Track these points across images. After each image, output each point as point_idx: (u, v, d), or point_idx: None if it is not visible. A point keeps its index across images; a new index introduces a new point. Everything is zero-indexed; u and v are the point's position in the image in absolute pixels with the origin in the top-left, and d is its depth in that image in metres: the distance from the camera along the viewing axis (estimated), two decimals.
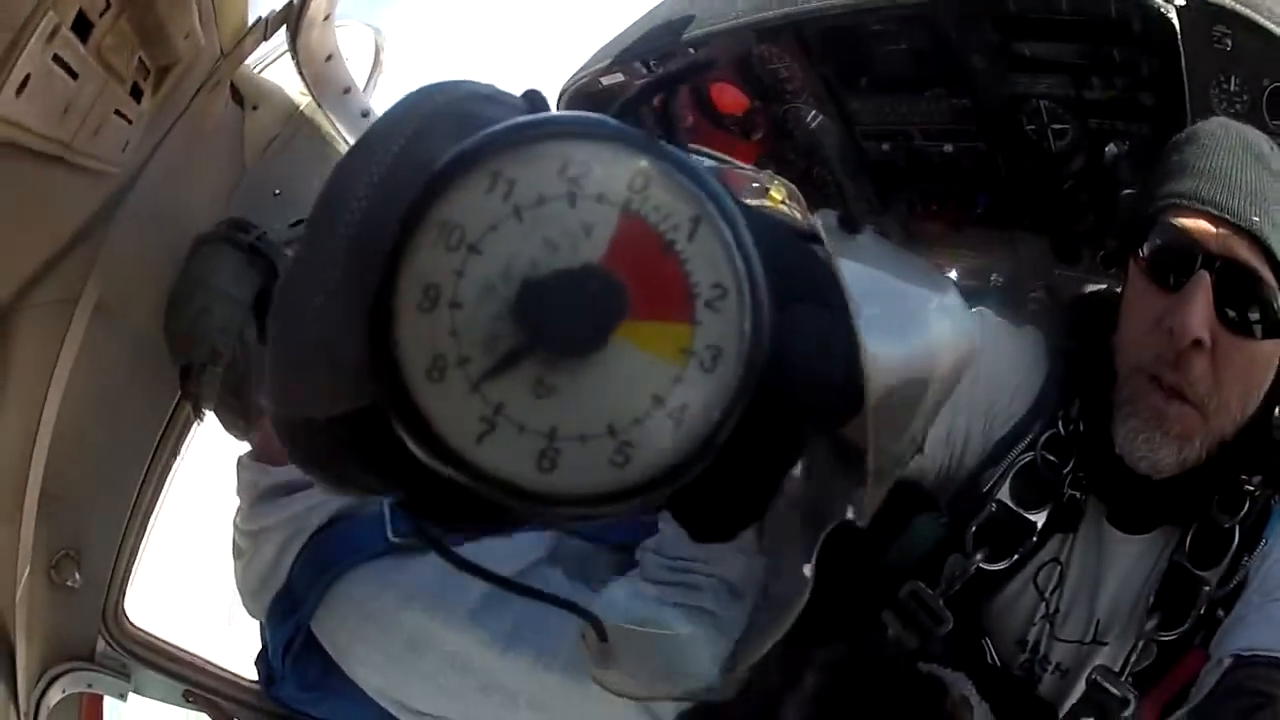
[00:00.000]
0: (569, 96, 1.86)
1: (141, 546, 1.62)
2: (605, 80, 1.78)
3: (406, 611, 1.18)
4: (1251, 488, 1.16)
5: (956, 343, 0.54)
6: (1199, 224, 1.05)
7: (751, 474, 0.46)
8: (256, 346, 1.25)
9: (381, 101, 1.63)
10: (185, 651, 1.68)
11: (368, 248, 0.39)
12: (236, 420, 1.31)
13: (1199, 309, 1.04)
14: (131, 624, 1.62)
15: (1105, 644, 1.24)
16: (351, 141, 1.59)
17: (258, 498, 1.26)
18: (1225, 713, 0.98)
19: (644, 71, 1.74)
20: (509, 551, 1.14)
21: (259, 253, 1.27)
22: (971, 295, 1.54)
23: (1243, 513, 1.16)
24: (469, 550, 1.12)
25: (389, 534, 1.20)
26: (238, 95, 1.44)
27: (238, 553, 1.31)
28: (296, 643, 1.24)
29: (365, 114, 1.61)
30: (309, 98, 1.56)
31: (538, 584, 1.08)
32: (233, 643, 1.80)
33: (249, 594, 1.29)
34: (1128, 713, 1.13)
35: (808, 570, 0.58)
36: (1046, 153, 1.48)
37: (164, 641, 1.66)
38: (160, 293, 1.31)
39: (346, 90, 1.57)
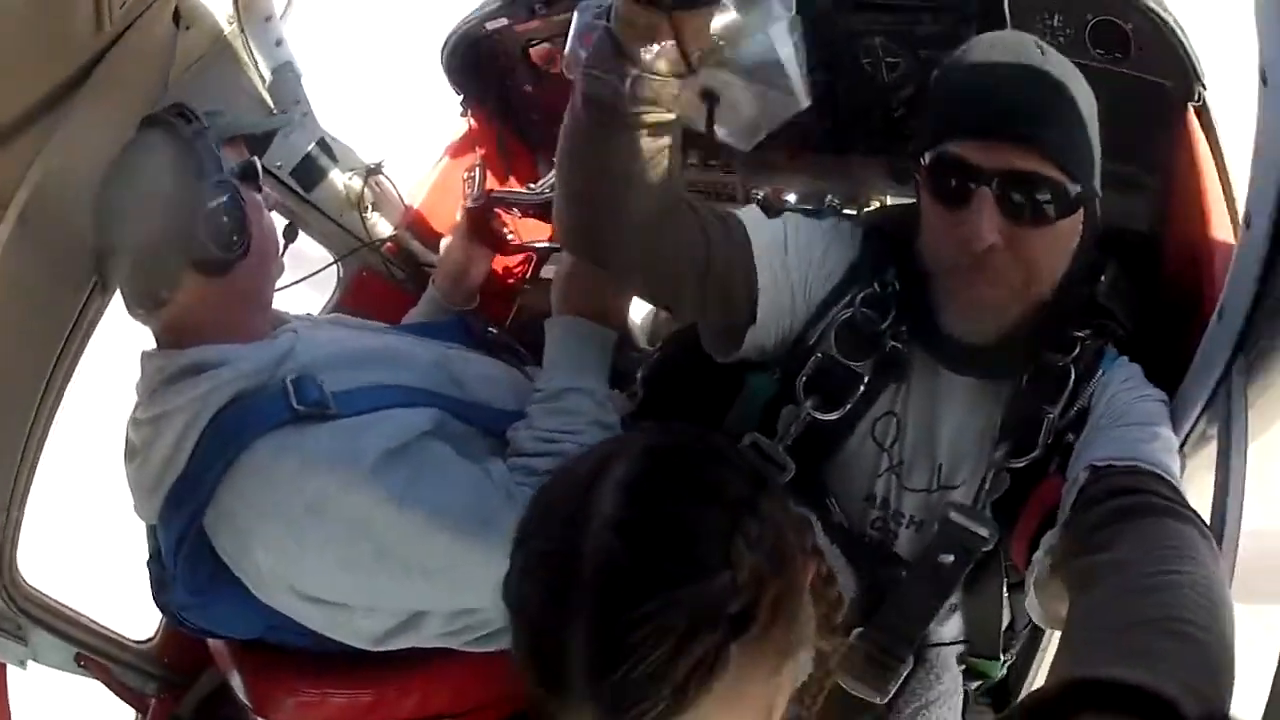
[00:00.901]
0: (455, 40, 1.95)
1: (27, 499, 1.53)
2: (490, 25, 1.89)
3: (308, 474, 1.20)
4: (1081, 335, 1.25)
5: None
6: (971, 149, 1.11)
7: None
8: (170, 238, 1.25)
9: (292, 33, 1.70)
10: (76, 612, 1.62)
11: None
12: (141, 303, 1.30)
13: (985, 221, 1.11)
14: (25, 582, 1.54)
15: (955, 487, 1.31)
16: (264, 68, 1.64)
17: (162, 382, 1.25)
18: (1095, 517, 1.00)
19: (527, 16, 1.85)
20: (399, 425, 1.26)
21: (193, 148, 1.27)
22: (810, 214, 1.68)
23: (1075, 353, 1.24)
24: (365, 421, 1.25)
25: (293, 403, 1.23)
26: (175, 14, 1.46)
27: (132, 453, 1.28)
28: (190, 536, 1.23)
29: (279, 42, 1.68)
30: (232, 25, 1.60)
31: (424, 454, 1.26)
32: (113, 607, 1.74)
33: (146, 490, 1.26)
34: (988, 546, 1.16)
35: None
36: (880, 84, 1.66)
37: (56, 601, 1.59)
38: (74, 209, 1.28)
39: (268, 19, 1.64)
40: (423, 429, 1.28)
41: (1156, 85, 1.55)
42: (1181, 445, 1.20)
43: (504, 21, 1.87)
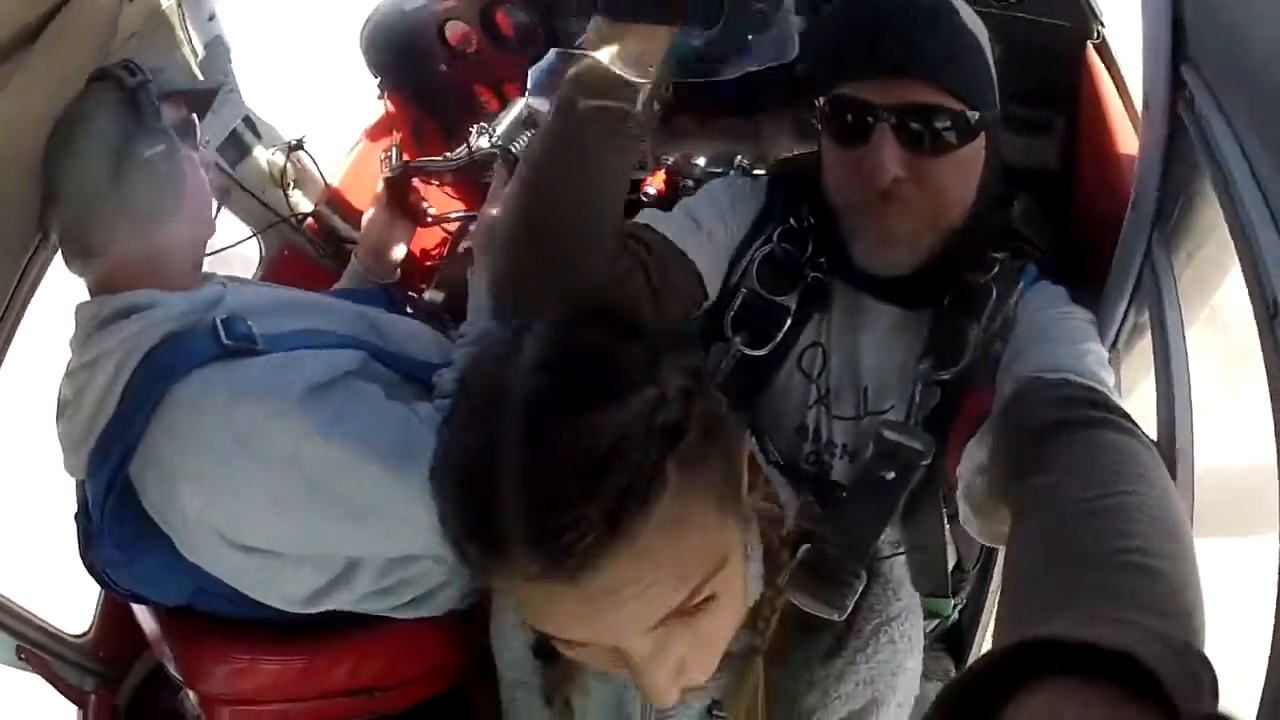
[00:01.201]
0: (374, 22, 1.99)
1: None
2: (409, 6, 1.94)
3: (235, 406, 1.19)
4: (999, 256, 1.25)
5: None
6: (865, 88, 1.14)
7: None
8: (109, 185, 1.25)
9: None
10: (13, 603, 1.57)
11: None
12: (79, 252, 1.30)
13: (887, 155, 1.13)
14: None
15: (884, 411, 1.32)
16: (198, 43, 1.65)
17: (95, 327, 1.24)
18: (1027, 432, 0.97)
19: None
20: (325, 362, 1.27)
21: (136, 99, 1.28)
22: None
23: (994, 272, 1.24)
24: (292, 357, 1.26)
25: (223, 338, 1.23)
26: None
27: (63, 406, 1.27)
28: (117, 485, 1.22)
29: (211, 18, 1.68)
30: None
31: (351, 391, 1.27)
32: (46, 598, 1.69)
33: (76, 441, 1.24)
34: (927, 459, 1.13)
35: None
36: None
37: None
38: (20, 166, 1.27)
39: None
40: (348, 368, 1.29)
41: (1056, 27, 1.60)
42: (1114, 343, 1.21)
43: (421, 1, 1.91)
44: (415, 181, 1.79)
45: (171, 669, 1.42)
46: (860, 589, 0.98)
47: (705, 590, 0.76)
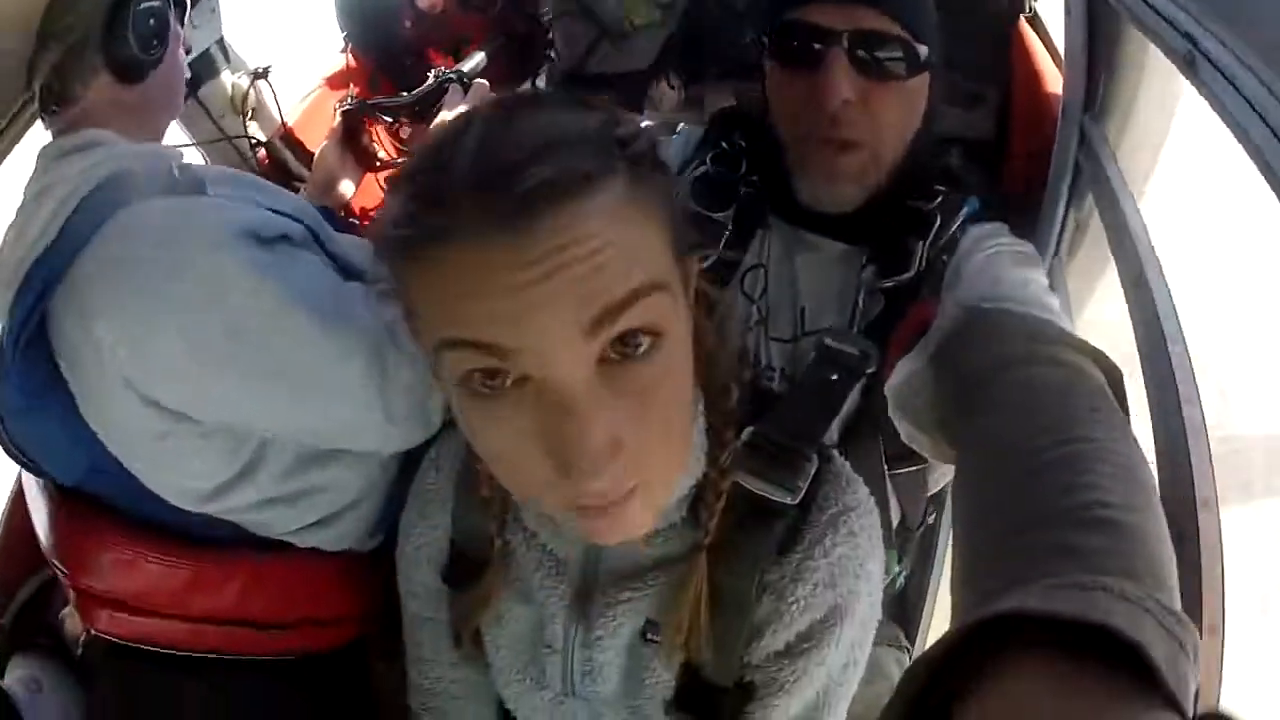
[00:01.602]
0: None
1: None
2: None
3: (172, 234, 1.16)
4: (941, 189, 1.26)
5: None
6: (816, 14, 1.16)
7: None
8: (100, 28, 1.27)
9: None
10: None
11: None
12: (55, 98, 1.29)
13: (838, 77, 1.14)
14: None
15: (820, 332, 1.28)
16: None
17: (54, 159, 1.22)
18: (968, 365, 0.96)
19: None
20: (266, 218, 1.24)
21: None
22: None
23: (937, 201, 1.25)
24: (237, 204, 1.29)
25: (175, 175, 1.23)
26: None
27: (3, 249, 1.22)
28: (36, 315, 1.17)
29: None
30: None
31: (288, 251, 1.27)
32: None
33: (7, 281, 1.19)
34: (871, 367, 1.12)
35: None
36: (730, 10, 1.76)
37: None
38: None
39: None
40: (288, 233, 1.27)
41: (990, 3, 1.68)
42: (1056, 249, 1.24)
43: None
44: (369, 127, 1.80)
45: (56, 563, 1.35)
46: (811, 472, 0.94)
47: (646, 308, 0.71)
